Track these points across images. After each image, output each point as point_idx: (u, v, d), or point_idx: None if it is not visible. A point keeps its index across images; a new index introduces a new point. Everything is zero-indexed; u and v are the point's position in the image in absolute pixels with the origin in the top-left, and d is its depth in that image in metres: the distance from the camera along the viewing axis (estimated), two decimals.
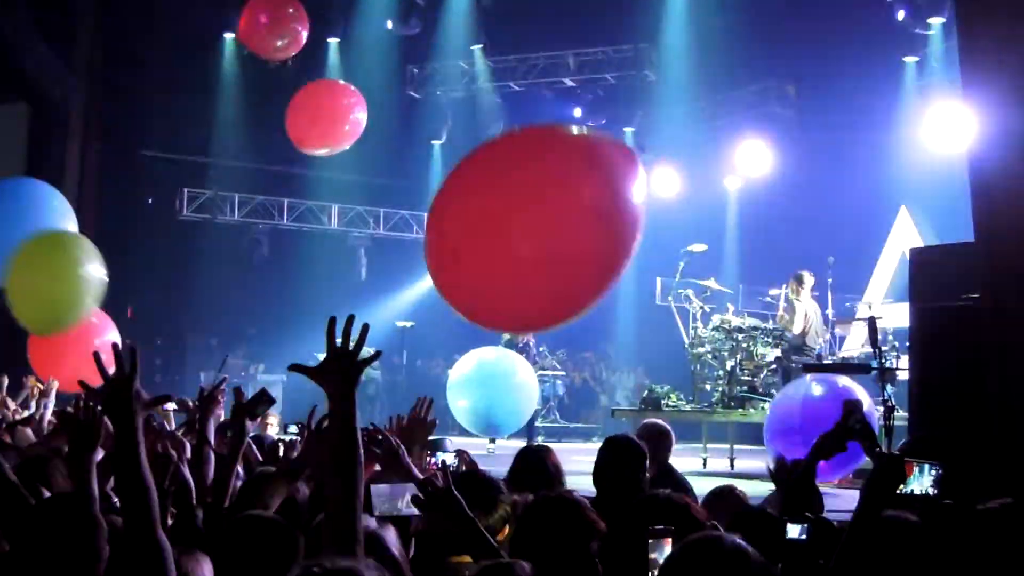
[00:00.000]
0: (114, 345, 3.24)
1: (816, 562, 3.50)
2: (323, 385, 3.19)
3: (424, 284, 24.02)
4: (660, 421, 7.39)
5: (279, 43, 15.69)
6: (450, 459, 5.56)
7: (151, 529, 2.98)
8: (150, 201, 22.39)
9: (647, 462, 5.21)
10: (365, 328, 3.20)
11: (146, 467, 3.05)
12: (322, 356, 3.26)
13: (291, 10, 15.38)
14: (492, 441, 14.32)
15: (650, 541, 3.41)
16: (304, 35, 15.74)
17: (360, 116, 14.15)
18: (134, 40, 19.77)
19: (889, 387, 8.92)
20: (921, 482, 4.15)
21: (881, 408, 8.52)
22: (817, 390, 9.96)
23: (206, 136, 21.92)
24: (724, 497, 5.01)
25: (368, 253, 23.88)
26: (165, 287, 22.13)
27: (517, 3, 20.77)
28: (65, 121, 19.46)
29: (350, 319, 3.19)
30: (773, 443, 10.38)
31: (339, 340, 3.19)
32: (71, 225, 11.76)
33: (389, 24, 20.86)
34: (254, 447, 6.37)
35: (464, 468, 5.61)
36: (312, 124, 14.12)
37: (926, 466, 4.20)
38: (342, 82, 16.41)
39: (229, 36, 21.46)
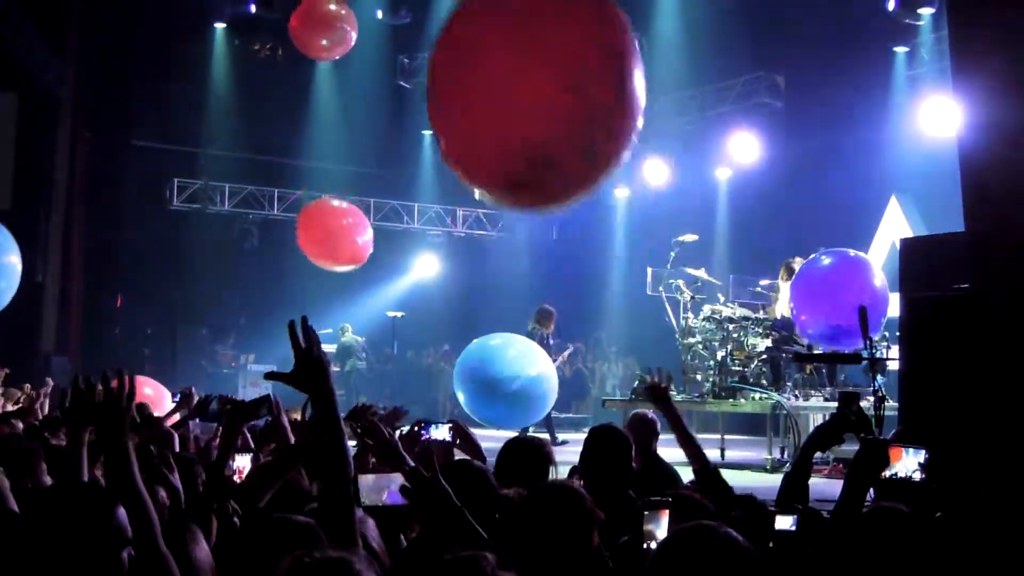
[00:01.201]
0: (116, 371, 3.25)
1: (805, 552, 3.52)
2: (302, 390, 3.22)
3: (414, 274, 24.04)
4: (649, 411, 7.38)
5: (324, 42, 16.20)
6: (443, 434, 5.54)
7: (153, 542, 2.98)
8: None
9: (632, 451, 5.22)
10: (304, 321, 3.20)
11: (140, 483, 3.06)
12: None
13: (343, 12, 15.94)
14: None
15: (646, 513, 3.42)
16: (353, 36, 16.24)
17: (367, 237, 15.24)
18: (124, 30, 19.71)
19: (880, 377, 8.94)
20: (906, 466, 4.17)
21: (872, 397, 8.54)
22: (827, 259, 12.07)
23: (196, 126, 21.87)
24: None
25: None
26: (155, 277, 22.10)
27: None
28: (55, 111, 19.40)
29: (303, 321, 3.20)
30: (795, 302, 12.09)
31: (302, 344, 3.20)
32: (15, 258, 11.82)
33: (380, 14, 20.81)
34: (247, 434, 6.31)
35: (458, 440, 5.59)
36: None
37: (911, 450, 4.21)
38: (336, 203, 16.94)
39: (220, 26, 21.42)
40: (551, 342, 16.05)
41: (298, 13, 16.23)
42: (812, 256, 12.45)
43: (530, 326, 15.66)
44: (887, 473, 4.02)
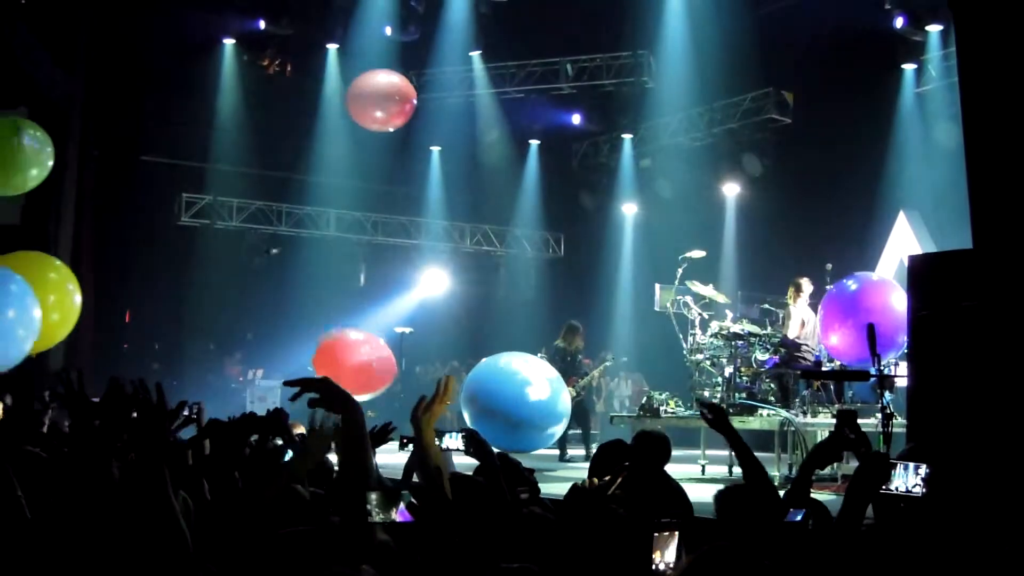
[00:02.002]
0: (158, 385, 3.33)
1: (812, 548, 3.52)
2: (335, 411, 3.38)
3: (422, 291, 24.07)
4: (657, 428, 7.38)
5: (378, 114, 16.57)
6: (456, 443, 5.51)
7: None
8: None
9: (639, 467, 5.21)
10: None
11: (173, 499, 3.09)
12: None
13: (399, 96, 16.88)
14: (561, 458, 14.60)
15: (655, 535, 3.40)
16: (412, 106, 16.67)
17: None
18: (133, 45, 19.76)
19: (887, 394, 8.91)
20: (907, 481, 4.14)
21: (880, 415, 8.51)
22: (852, 284, 12.15)
23: (205, 141, 21.92)
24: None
25: (366, 259, 23.89)
26: (163, 292, 22.13)
27: (515, 10, 20.80)
28: (64, 126, 19.41)
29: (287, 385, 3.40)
30: (824, 320, 12.36)
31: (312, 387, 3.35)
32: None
33: (388, 30, 20.87)
34: None
35: (472, 449, 5.55)
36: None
37: (912, 465, 4.19)
38: (354, 335, 17.13)
39: (229, 42, 21.49)
40: (578, 358, 16.06)
41: (354, 88, 16.63)
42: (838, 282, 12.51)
43: (557, 342, 15.70)
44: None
